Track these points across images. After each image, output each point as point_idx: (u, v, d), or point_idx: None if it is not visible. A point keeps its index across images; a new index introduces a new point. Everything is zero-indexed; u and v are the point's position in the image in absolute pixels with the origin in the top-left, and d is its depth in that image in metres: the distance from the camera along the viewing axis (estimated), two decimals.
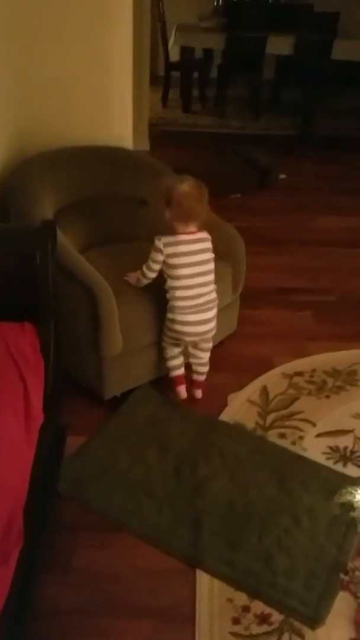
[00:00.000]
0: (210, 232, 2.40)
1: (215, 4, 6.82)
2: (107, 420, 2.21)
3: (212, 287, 2.13)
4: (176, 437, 2.14)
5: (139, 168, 2.56)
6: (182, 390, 2.27)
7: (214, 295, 2.14)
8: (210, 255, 2.11)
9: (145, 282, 2.13)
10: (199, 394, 2.32)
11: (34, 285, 1.66)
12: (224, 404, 2.32)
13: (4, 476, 1.32)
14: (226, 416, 2.26)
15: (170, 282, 2.07)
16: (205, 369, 2.30)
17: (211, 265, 2.12)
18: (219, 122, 6.32)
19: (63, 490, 1.91)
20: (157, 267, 2.07)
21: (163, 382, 2.34)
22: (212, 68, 6.75)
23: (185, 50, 6.23)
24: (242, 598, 1.64)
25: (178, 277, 2.05)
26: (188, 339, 2.16)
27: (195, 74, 6.58)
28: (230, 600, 1.64)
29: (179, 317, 2.09)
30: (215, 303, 2.16)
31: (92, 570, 1.71)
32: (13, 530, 1.28)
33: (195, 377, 2.31)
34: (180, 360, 2.25)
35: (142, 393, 2.32)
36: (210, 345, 2.27)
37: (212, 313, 2.15)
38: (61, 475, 1.94)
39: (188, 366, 2.31)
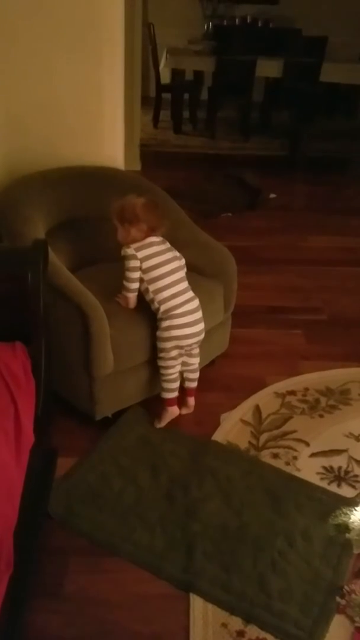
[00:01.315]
0: (201, 251, 2.41)
1: (206, 27, 6.94)
2: (98, 441, 2.18)
3: (187, 284, 2.16)
4: (168, 458, 2.12)
5: (129, 188, 2.55)
6: (175, 409, 2.25)
7: (192, 292, 2.16)
8: (180, 259, 2.18)
9: (131, 296, 2.13)
10: (191, 402, 2.32)
11: (25, 304, 1.65)
12: (217, 424, 2.30)
13: None
14: (219, 436, 2.24)
15: (151, 287, 2.09)
16: (197, 375, 2.30)
17: (182, 262, 2.18)
18: (210, 143, 6.39)
19: (54, 513, 1.88)
20: (135, 275, 2.08)
21: (155, 403, 2.32)
22: (202, 90, 6.83)
23: (176, 73, 6.31)
24: (236, 623, 1.61)
25: (157, 278, 2.08)
26: (189, 341, 2.15)
27: (186, 96, 6.66)
28: (224, 625, 1.60)
29: (176, 321, 2.09)
30: (197, 301, 2.17)
31: (83, 596, 1.67)
32: (2, 556, 1.25)
33: (187, 384, 2.30)
34: (177, 384, 2.23)
35: (134, 413, 2.30)
36: (198, 350, 2.26)
37: (200, 312, 2.16)
38: (51, 497, 1.91)
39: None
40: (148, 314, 2.14)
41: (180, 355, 2.19)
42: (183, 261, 2.20)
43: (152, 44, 6.36)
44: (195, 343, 2.19)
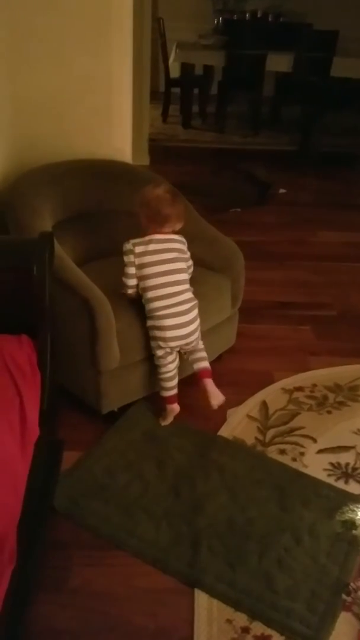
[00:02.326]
0: (209, 246, 2.39)
1: (216, 22, 6.90)
2: (104, 435, 2.17)
3: (185, 286, 2.09)
4: (174, 453, 2.11)
5: (137, 182, 2.54)
6: (175, 407, 2.20)
7: (189, 295, 2.10)
8: (179, 255, 2.10)
9: (130, 292, 2.10)
10: (211, 384, 2.17)
11: (31, 297, 1.64)
12: (223, 420, 2.28)
13: None
14: (225, 432, 2.22)
15: (142, 284, 2.06)
16: (204, 354, 2.19)
17: (181, 264, 2.09)
18: (219, 137, 6.36)
19: (59, 506, 1.87)
20: (131, 270, 2.05)
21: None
22: (212, 84, 6.79)
23: (186, 67, 6.28)
24: (242, 619, 1.60)
25: (148, 276, 2.04)
26: (172, 344, 2.08)
27: (196, 91, 6.63)
28: (229, 621, 1.59)
29: (157, 322, 2.05)
30: (193, 304, 2.10)
31: (88, 589, 1.67)
32: (5, 549, 1.24)
33: (198, 366, 2.18)
34: (175, 382, 2.18)
35: (140, 408, 2.29)
36: (202, 345, 2.18)
37: (191, 315, 2.09)
38: (57, 491, 1.90)
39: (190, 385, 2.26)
40: None
41: (169, 354, 2.12)
42: (189, 263, 2.14)
43: (162, 38, 6.33)
44: (183, 345, 2.11)
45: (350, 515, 1.76)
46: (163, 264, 2.05)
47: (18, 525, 1.35)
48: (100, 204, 2.46)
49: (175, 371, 2.17)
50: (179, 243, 2.12)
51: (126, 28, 2.45)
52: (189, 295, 2.10)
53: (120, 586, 1.68)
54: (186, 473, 2.02)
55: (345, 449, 2.17)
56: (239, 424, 2.26)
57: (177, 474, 2.02)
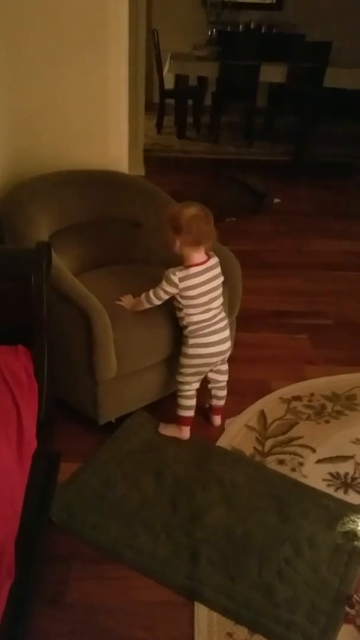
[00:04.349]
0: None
1: (209, 33, 6.94)
2: (101, 446, 2.15)
3: (220, 302, 2.12)
4: (172, 464, 2.09)
5: (133, 191, 2.56)
6: (187, 431, 2.21)
7: (223, 312, 2.14)
8: (221, 279, 2.11)
9: (147, 307, 2.09)
10: (217, 420, 2.30)
11: (28, 307, 1.63)
12: (222, 429, 2.27)
13: None
14: (223, 442, 2.21)
15: (185, 309, 2.05)
16: (224, 392, 2.28)
17: (220, 285, 2.11)
18: (213, 148, 6.38)
19: (56, 519, 1.85)
20: (166, 297, 2.04)
21: (159, 407, 2.30)
22: (206, 95, 6.83)
23: (180, 78, 6.31)
24: (242, 632, 1.58)
25: (193, 306, 2.04)
26: (213, 359, 2.13)
27: (190, 101, 6.66)
28: (229, 634, 1.57)
29: (201, 340, 2.07)
30: (226, 319, 2.15)
31: (86, 603, 1.65)
32: (4, 563, 1.22)
33: (215, 402, 2.29)
34: (194, 401, 2.19)
35: (138, 418, 2.27)
36: (227, 367, 2.25)
37: (227, 331, 2.14)
38: (54, 503, 1.88)
39: (203, 394, 2.28)
40: (152, 317, 2.12)
41: (200, 374, 2.17)
42: (221, 279, 2.11)
43: (156, 49, 6.37)
44: (220, 360, 2.17)
45: (352, 526, 1.74)
46: (207, 294, 2.05)
47: (16, 539, 1.33)
48: (97, 214, 2.45)
49: (194, 392, 2.19)
50: (218, 267, 2.09)
51: (122, 39, 2.46)
52: (223, 311, 2.14)
53: (118, 599, 1.66)
54: (184, 484, 2.01)
55: (344, 458, 2.16)
56: (237, 434, 2.25)
57: (176, 485, 2.00)
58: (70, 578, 1.71)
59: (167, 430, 2.21)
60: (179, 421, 2.20)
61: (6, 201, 2.26)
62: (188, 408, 2.18)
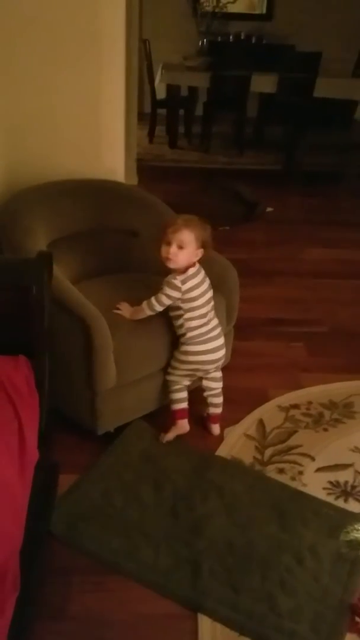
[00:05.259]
0: (202, 263, 2.39)
1: (200, 43, 6.99)
2: (99, 457, 2.14)
3: (213, 310, 2.15)
4: (172, 473, 2.08)
5: (129, 200, 2.56)
6: (185, 424, 2.22)
7: (216, 318, 2.16)
8: (208, 280, 2.14)
9: (148, 315, 2.09)
10: (216, 429, 2.30)
11: (29, 317, 1.61)
12: (220, 439, 2.26)
13: None
14: (223, 451, 2.20)
15: (187, 315, 2.06)
16: (220, 399, 2.28)
17: (211, 288, 2.14)
18: (205, 157, 6.41)
19: (56, 531, 1.83)
20: (168, 302, 2.05)
21: (158, 416, 2.29)
22: (197, 105, 6.87)
23: (172, 88, 6.34)
24: None
25: (194, 308, 2.06)
26: (206, 367, 2.16)
27: (181, 111, 6.69)
28: None
29: (197, 348, 2.10)
30: (220, 326, 2.17)
31: (88, 616, 1.63)
32: (9, 576, 1.21)
33: (211, 410, 2.28)
34: (185, 394, 2.22)
35: (136, 428, 2.26)
36: (220, 374, 2.27)
37: (222, 339, 2.16)
38: (54, 515, 1.86)
39: (199, 403, 2.30)
40: (150, 326, 2.11)
41: (191, 377, 2.20)
42: (208, 280, 2.14)
43: (148, 59, 6.40)
44: (213, 368, 2.19)
45: (356, 535, 1.74)
46: (204, 295, 2.08)
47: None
48: (94, 223, 2.45)
49: (185, 386, 2.22)
50: (202, 269, 2.12)
51: (118, 48, 2.46)
52: (217, 318, 2.17)
53: (120, 612, 1.65)
54: (184, 494, 2.00)
55: (344, 466, 2.16)
56: (236, 443, 2.24)
57: (175, 495, 1.99)
58: (71, 591, 1.69)
59: (168, 435, 2.21)
60: (174, 415, 2.21)
61: (2, 212, 2.25)
62: (180, 401, 2.21)
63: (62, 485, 1.97)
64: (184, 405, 2.22)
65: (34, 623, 1.55)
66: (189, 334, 2.08)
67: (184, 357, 2.12)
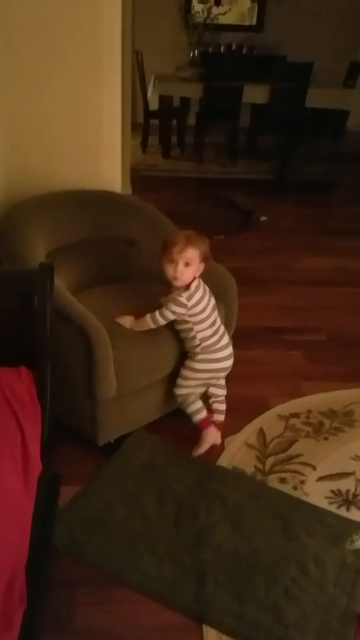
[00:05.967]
0: (203, 275, 2.40)
1: (192, 55, 7.04)
2: (101, 467, 2.13)
3: (217, 312, 2.17)
4: (174, 484, 2.07)
5: (127, 210, 2.56)
6: (213, 432, 2.22)
7: (221, 321, 2.19)
8: (207, 287, 2.15)
9: (151, 328, 2.10)
10: (218, 437, 2.27)
11: (31, 328, 1.61)
12: (221, 448, 2.26)
13: (4, 531, 1.24)
14: (224, 461, 2.20)
15: (197, 327, 2.08)
16: (224, 406, 2.30)
17: (212, 297, 2.16)
18: (198, 167, 6.44)
19: (59, 543, 1.82)
20: (173, 318, 2.07)
21: (158, 426, 2.28)
22: (189, 116, 6.90)
23: (164, 99, 6.38)
24: None
25: (203, 320, 2.08)
26: (220, 374, 2.22)
27: (174, 122, 6.73)
28: None
29: (213, 355, 2.13)
30: (226, 334, 2.20)
31: (93, 629, 1.61)
32: (15, 589, 1.19)
33: (216, 417, 2.27)
34: (201, 402, 2.23)
35: (137, 438, 2.25)
36: (224, 381, 2.29)
37: (231, 347, 2.21)
38: (56, 527, 1.85)
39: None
40: (152, 335, 2.11)
41: (204, 386, 2.23)
42: (211, 294, 2.16)
43: (140, 71, 6.43)
44: (224, 375, 2.24)
45: None
46: (209, 304, 2.11)
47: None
48: (92, 233, 2.45)
49: (197, 395, 2.23)
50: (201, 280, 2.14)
51: (115, 61, 2.48)
52: (222, 325, 2.20)
53: (125, 624, 1.63)
54: (187, 504, 1.99)
55: (345, 475, 2.16)
56: (237, 453, 2.24)
57: (178, 506, 1.98)
58: (75, 603, 1.67)
59: (201, 447, 2.21)
60: (200, 426, 2.22)
61: (2, 221, 2.24)
62: (199, 411, 2.21)
63: (64, 497, 1.96)
64: (204, 413, 2.22)
65: (40, 637, 1.54)
66: (204, 344, 2.11)
67: (200, 366, 2.14)
